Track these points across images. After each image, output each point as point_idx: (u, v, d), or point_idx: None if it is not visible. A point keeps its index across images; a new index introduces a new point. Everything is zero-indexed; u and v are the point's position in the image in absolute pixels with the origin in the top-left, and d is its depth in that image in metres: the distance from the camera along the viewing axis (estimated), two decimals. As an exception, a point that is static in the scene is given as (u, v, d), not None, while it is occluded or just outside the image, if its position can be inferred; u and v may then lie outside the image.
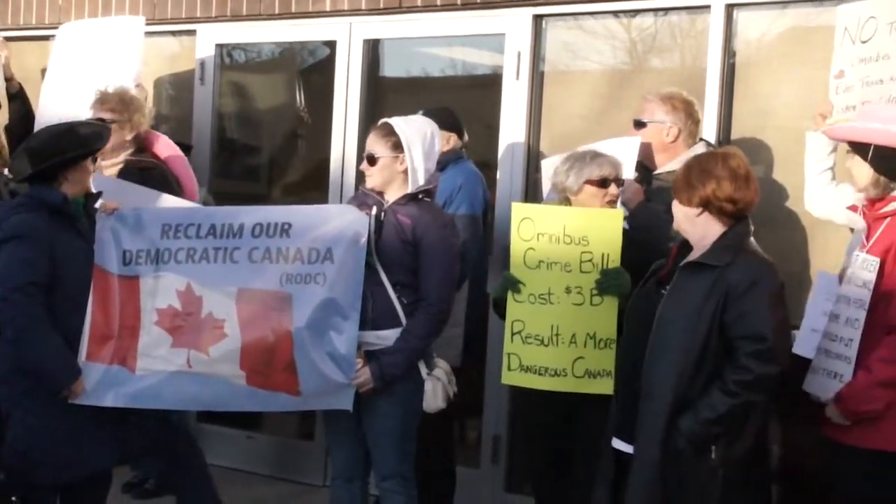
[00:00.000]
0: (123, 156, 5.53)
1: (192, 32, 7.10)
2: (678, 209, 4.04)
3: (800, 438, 5.06)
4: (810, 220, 5.21)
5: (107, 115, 5.47)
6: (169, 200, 5.06)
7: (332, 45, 6.64)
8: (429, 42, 6.57)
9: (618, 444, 4.09)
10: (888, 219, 4.11)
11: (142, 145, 5.66)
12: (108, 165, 5.44)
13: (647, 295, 4.11)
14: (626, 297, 4.38)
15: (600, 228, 4.48)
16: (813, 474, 4.88)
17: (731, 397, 3.81)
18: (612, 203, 4.61)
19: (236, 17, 6.84)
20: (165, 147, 5.81)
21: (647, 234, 4.60)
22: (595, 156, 4.67)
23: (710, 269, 3.90)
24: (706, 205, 3.96)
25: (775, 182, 5.37)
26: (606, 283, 4.44)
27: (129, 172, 5.41)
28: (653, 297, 4.05)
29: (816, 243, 5.28)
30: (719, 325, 3.85)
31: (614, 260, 4.45)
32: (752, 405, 3.87)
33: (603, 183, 4.60)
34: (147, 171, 5.46)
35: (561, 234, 4.51)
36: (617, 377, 4.25)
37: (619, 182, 4.64)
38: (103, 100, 5.58)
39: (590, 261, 4.48)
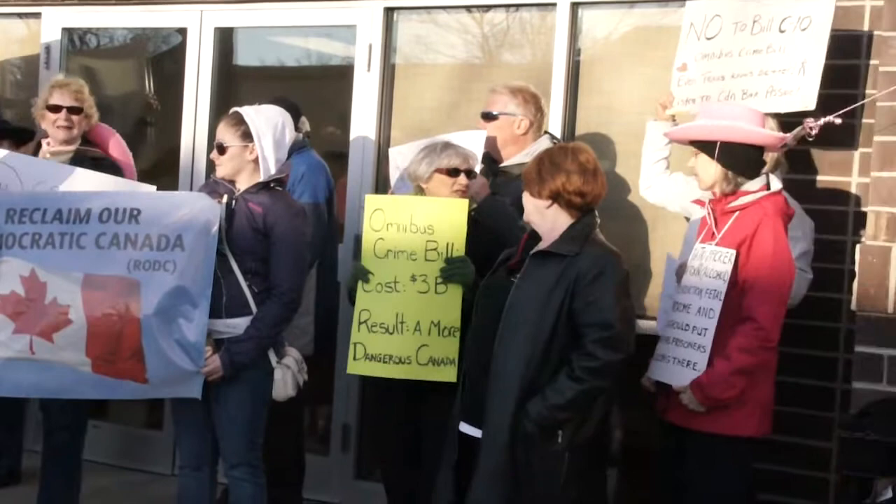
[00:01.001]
0: (75, 145, 5.30)
1: (37, 15, 6.90)
2: (529, 201, 4.09)
3: (639, 423, 5.21)
4: (652, 213, 5.35)
5: (73, 103, 5.25)
6: (124, 185, 4.95)
7: (183, 32, 6.53)
8: (282, 32, 6.53)
9: (465, 428, 4.13)
10: (738, 212, 4.22)
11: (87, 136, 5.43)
12: (59, 152, 5.21)
13: (496, 283, 4.16)
14: (469, 285, 4.43)
15: (446, 218, 4.52)
16: (652, 458, 5.02)
17: (577, 383, 3.88)
18: (461, 193, 4.65)
19: (84, 1, 6.67)
20: (106, 137, 5.58)
21: (494, 227, 4.66)
22: (447, 146, 4.71)
23: (558, 259, 3.98)
24: (556, 197, 4.03)
25: (618, 175, 5.49)
26: (450, 271, 4.48)
27: (81, 161, 5.18)
28: (503, 285, 4.10)
29: (657, 234, 5.42)
30: (567, 312, 3.93)
31: (459, 249, 4.49)
32: (599, 391, 3.94)
33: (452, 172, 4.64)
34: (98, 161, 5.25)
35: (408, 223, 4.54)
36: (467, 363, 4.28)
37: (471, 173, 4.69)
38: (68, 87, 5.32)
39: (435, 249, 4.51)
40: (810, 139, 4.41)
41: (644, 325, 4.87)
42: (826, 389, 4.93)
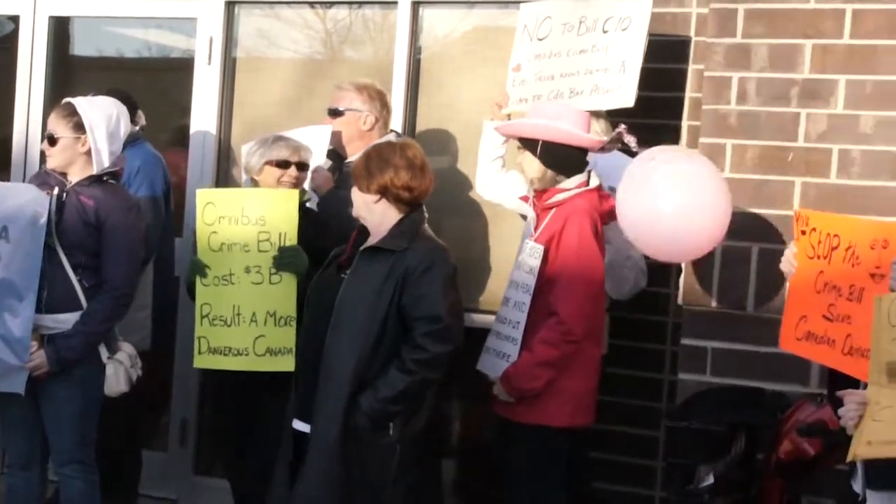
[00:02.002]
0: None
1: None
2: (358, 196, 4.08)
3: (476, 416, 5.27)
4: (491, 210, 5.39)
5: None
6: None
7: (15, 20, 6.30)
8: (121, 22, 6.36)
9: (299, 425, 4.09)
10: (554, 209, 4.29)
11: None
12: None
13: (327, 279, 4.14)
14: (303, 274, 4.41)
15: (277, 208, 4.50)
16: (488, 449, 5.08)
17: (408, 375, 3.90)
18: (292, 185, 4.62)
19: None
20: None
21: (337, 221, 4.64)
22: (278, 139, 4.69)
23: (387, 254, 3.98)
24: (384, 192, 4.02)
25: (458, 172, 5.52)
26: (283, 260, 4.46)
27: None
28: (333, 281, 4.08)
29: (497, 230, 5.47)
30: (397, 307, 3.93)
31: (291, 238, 4.48)
32: (429, 383, 3.97)
33: (282, 165, 4.62)
34: None
35: (240, 215, 4.50)
36: (298, 360, 4.24)
37: (302, 165, 4.66)
38: None
39: (267, 240, 4.49)
40: (629, 144, 4.51)
41: (482, 319, 4.91)
42: (655, 381, 5.04)
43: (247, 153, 4.73)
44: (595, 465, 4.90)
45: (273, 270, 4.48)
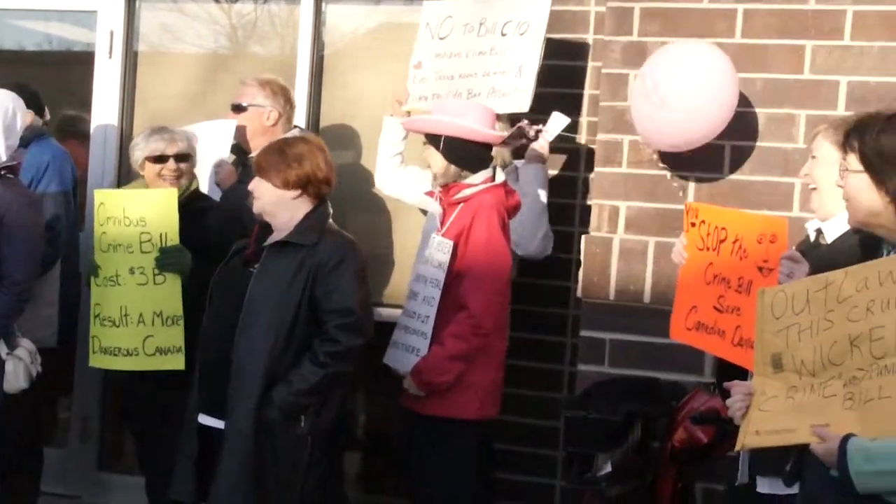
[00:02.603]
0: None
1: None
2: (270, 191, 4.03)
3: (382, 409, 5.28)
4: (394, 204, 5.39)
5: None
6: None
7: None
8: (20, 15, 6.22)
9: (206, 420, 4.06)
10: (461, 204, 4.30)
11: None
12: None
13: (232, 274, 4.10)
14: (187, 273, 4.39)
15: (156, 208, 4.48)
16: (394, 442, 5.09)
17: (321, 368, 3.90)
18: (173, 179, 4.60)
19: None
20: None
21: (240, 215, 4.60)
22: (155, 132, 4.66)
23: (297, 248, 3.96)
24: (305, 186, 4.01)
25: (361, 167, 5.51)
26: (165, 260, 4.44)
27: None
28: (240, 275, 4.05)
29: (399, 225, 5.48)
30: (309, 300, 3.93)
31: (172, 238, 4.46)
32: (341, 375, 3.97)
33: (159, 159, 4.60)
34: None
35: (122, 216, 4.50)
36: (203, 354, 4.18)
37: (181, 157, 4.62)
38: None
39: (149, 241, 4.48)
40: (531, 139, 4.56)
41: (386, 312, 4.92)
42: (556, 372, 5.09)
43: (131, 148, 4.70)
44: (500, 456, 4.94)
45: (157, 271, 4.46)
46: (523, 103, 4.62)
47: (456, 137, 4.27)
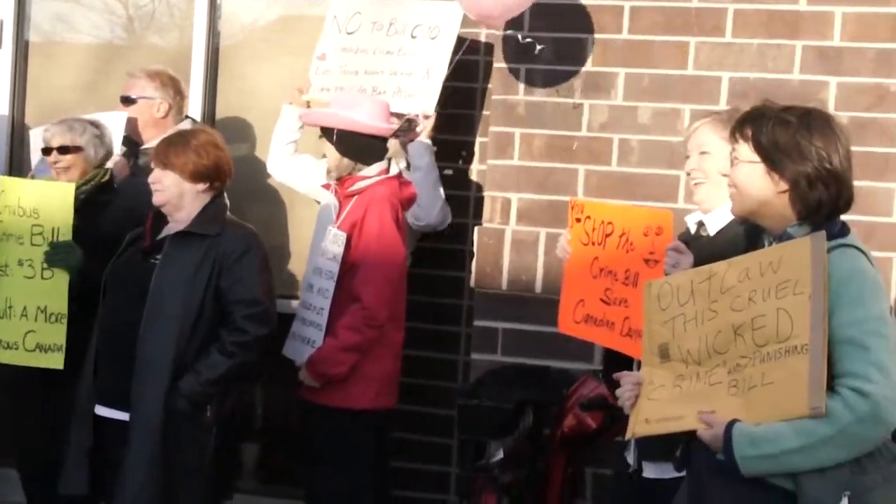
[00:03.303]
0: None
1: None
2: (173, 182, 3.95)
3: (279, 399, 5.19)
4: (290, 196, 5.34)
5: None
6: None
7: None
8: None
9: (104, 411, 3.98)
10: (355, 197, 4.27)
11: None
12: None
13: (129, 265, 4.03)
14: (76, 271, 4.24)
15: (51, 201, 4.31)
16: (293, 432, 5.01)
17: (229, 357, 3.86)
18: (65, 170, 4.46)
19: None
20: None
21: (134, 207, 4.48)
22: (55, 123, 4.53)
23: (200, 239, 3.91)
24: (213, 179, 3.96)
25: (257, 159, 5.43)
26: (54, 256, 4.27)
27: None
28: (140, 267, 3.98)
29: (295, 216, 5.43)
30: (214, 291, 3.89)
31: (65, 234, 4.29)
32: (248, 364, 3.94)
33: (45, 152, 4.48)
34: None
35: (16, 206, 4.31)
36: (100, 346, 4.08)
37: (64, 150, 4.46)
38: None
39: (41, 234, 4.30)
40: (419, 129, 4.54)
41: (283, 304, 4.84)
42: (451, 361, 5.09)
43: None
44: (398, 445, 4.92)
45: (45, 265, 4.27)
46: (429, 106, 4.61)
47: (348, 131, 4.21)
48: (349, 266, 4.19)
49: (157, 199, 3.99)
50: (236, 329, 3.88)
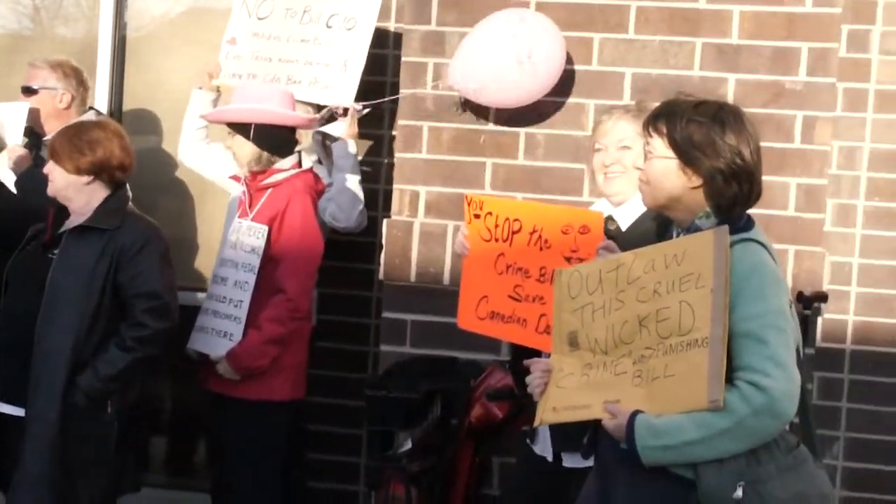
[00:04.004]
0: None
1: None
2: (63, 177, 3.86)
3: (190, 392, 5.07)
4: (199, 188, 5.24)
5: None
6: None
7: None
8: None
9: (5, 408, 3.87)
10: (270, 189, 4.18)
11: None
12: None
13: (29, 259, 3.91)
14: None
15: None
16: (200, 426, 4.90)
17: (129, 353, 3.78)
18: None
19: None
20: None
21: (35, 199, 4.32)
22: None
23: (99, 233, 3.81)
24: (98, 172, 3.84)
25: (166, 152, 5.34)
26: None
27: None
28: (38, 261, 3.86)
29: (205, 208, 5.33)
30: (113, 285, 3.79)
31: None
32: (149, 359, 3.85)
33: None
34: None
35: None
36: (1, 342, 3.92)
37: None
38: None
39: None
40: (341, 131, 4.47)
41: (190, 296, 4.71)
42: (362, 353, 5.03)
43: None
44: (310, 437, 4.86)
45: None
46: (347, 98, 4.51)
47: (265, 124, 4.12)
48: (269, 258, 4.10)
49: (49, 191, 3.90)
50: (136, 324, 3.79)
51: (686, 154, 2.76)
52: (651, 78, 4.21)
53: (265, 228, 4.10)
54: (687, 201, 2.80)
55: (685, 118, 2.77)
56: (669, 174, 2.79)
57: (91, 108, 4.86)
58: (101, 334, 3.77)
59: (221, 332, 4.15)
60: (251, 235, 4.12)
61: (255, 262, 4.09)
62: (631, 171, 3.32)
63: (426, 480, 4.03)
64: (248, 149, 4.17)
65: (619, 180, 3.39)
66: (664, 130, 2.79)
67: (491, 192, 4.34)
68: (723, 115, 2.78)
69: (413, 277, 4.42)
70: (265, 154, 4.17)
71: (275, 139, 4.17)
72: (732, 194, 2.76)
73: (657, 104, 2.92)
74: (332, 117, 4.40)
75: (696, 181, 2.76)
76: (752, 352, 2.64)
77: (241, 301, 4.11)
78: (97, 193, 3.86)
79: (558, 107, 4.33)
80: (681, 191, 2.79)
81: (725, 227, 2.69)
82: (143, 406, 4.05)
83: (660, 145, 2.80)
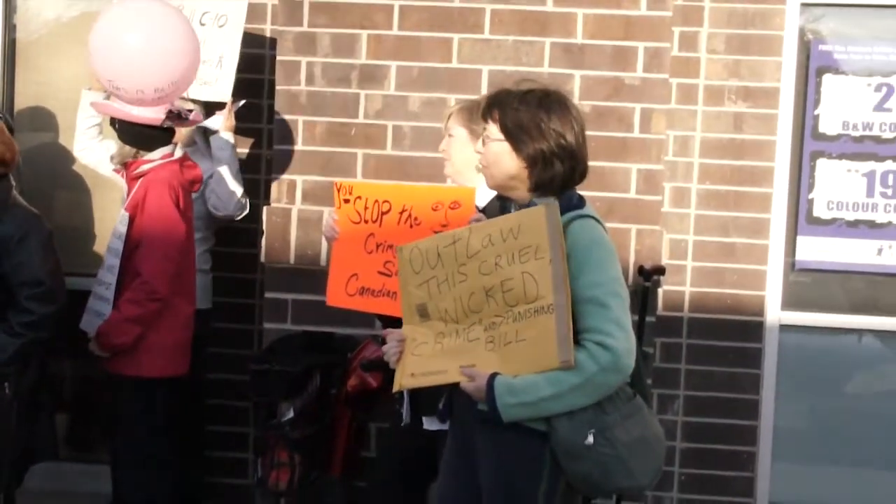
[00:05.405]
0: None
1: None
2: None
3: (89, 372, 4.89)
4: (93, 180, 5.06)
5: None
6: None
7: None
8: None
9: None
10: (141, 179, 4.05)
11: None
12: None
13: None
14: None
15: None
16: (100, 404, 4.73)
17: (17, 338, 3.66)
18: None
19: None
20: None
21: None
22: None
23: None
24: None
25: (59, 146, 5.13)
26: None
27: None
28: None
29: (98, 199, 5.15)
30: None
31: None
32: (39, 342, 3.72)
33: None
34: None
35: None
36: None
37: None
38: None
39: None
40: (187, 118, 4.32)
41: (86, 282, 4.53)
42: (247, 331, 4.93)
43: None
44: (203, 411, 4.75)
45: None
46: (225, 92, 4.39)
47: (127, 121, 3.98)
48: (132, 244, 3.98)
49: None
50: (22, 310, 3.66)
51: (515, 137, 2.77)
52: (505, 74, 4.20)
53: (127, 216, 3.99)
54: (521, 180, 2.80)
55: (514, 104, 2.79)
56: (503, 156, 2.80)
57: None
58: None
59: (97, 313, 4.04)
60: (120, 223, 4.03)
61: (120, 247, 3.99)
62: (458, 158, 3.36)
63: (308, 445, 3.97)
64: (116, 142, 4.09)
65: (449, 164, 3.42)
66: (497, 116, 2.81)
67: (363, 180, 4.27)
68: (548, 102, 2.79)
69: (292, 260, 4.34)
70: (127, 147, 4.05)
71: (138, 135, 4.01)
72: (555, 174, 2.77)
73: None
74: (177, 116, 4.26)
75: (525, 161, 2.78)
76: (595, 315, 2.66)
77: (110, 284, 4.01)
78: None
79: (422, 101, 4.29)
80: (516, 171, 2.80)
81: (555, 202, 2.71)
82: (46, 385, 3.92)
83: (494, 130, 2.82)
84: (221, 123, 4.39)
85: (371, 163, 4.32)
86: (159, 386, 4.03)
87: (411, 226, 3.22)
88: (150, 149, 4.04)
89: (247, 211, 4.55)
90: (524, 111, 2.77)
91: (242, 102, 4.50)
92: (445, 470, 2.94)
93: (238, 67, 4.43)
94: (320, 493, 3.98)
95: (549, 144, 2.75)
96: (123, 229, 3.97)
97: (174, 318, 4.05)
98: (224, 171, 4.38)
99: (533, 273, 2.65)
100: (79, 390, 5.16)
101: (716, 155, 4.67)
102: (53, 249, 3.80)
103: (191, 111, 4.13)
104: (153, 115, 3.97)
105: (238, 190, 4.44)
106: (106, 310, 3.98)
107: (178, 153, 4.11)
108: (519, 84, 2.86)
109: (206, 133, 4.48)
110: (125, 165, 4.07)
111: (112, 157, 4.11)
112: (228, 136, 4.40)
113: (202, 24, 4.45)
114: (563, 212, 2.70)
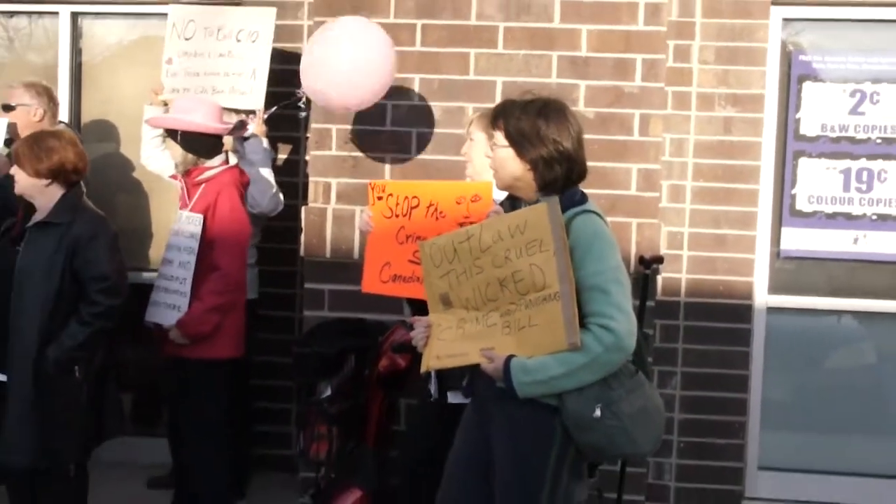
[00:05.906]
0: None
1: None
2: (26, 180, 3.68)
3: (149, 357, 4.89)
4: (150, 185, 5.06)
5: None
6: None
7: None
8: None
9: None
10: (203, 184, 4.03)
11: None
12: None
13: (1, 252, 3.72)
14: None
15: None
16: (157, 384, 4.72)
17: (86, 326, 3.63)
18: None
19: None
20: None
21: (12, 198, 4.10)
22: None
23: (56, 227, 3.65)
24: (56, 175, 3.66)
25: (121, 155, 5.13)
26: None
27: None
28: (8, 253, 3.69)
29: (155, 202, 5.14)
30: (71, 271, 3.63)
31: None
32: (105, 331, 3.70)
33: None
34: None
35: None
36: None
37: None
38: None
39: None
40: (250, 127, 4.35)
41: (147, 276, 4.58)
42: (289, 319, 4.92)
43: None
44: (253, 390, 4.77)
45: None
46: (258, 102, 4.41)
47: (189, 131, 3.97)
48: (207, 242, 3.96)
49: (15, 190, 3.75)
50: (91, 302, 3.65)
51: (518, 143, 2.78)
52: (517, 85, 4.15)
53: (200, 217, 3.97)
54: (526, 181, 2.81)
55: (516, 114, 2.79)
56: (508, 160, 2.80)
57: (61, 121, 4.69)
58: (66, 312, 3.63)
59: (171, 305, 4.01)
60: (190, 223, 4.00)
61: (195, 245, 3.96)
62: (477, 160, 3.36)
63: (344, 420, 3.95)
64: (177, 152, 4.05)
65: (470, 166, 3.46)
66: (502, 125, 2.81)
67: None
68: (547, 111, 2.79)
69: (328, 254, 4.31)
70: (190, 156, 4.04)
71: (198, 143, 4.01)
72: (556, 175, 2.77)
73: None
74: (242, 124, 4.25)
75: (528, 165, 2.77)
76: (598, 301, 2.65)
77: (185, 279, 3.98)
78: (55, 193, 3.70)
79: (443, 110, 4.25)
80: (520, 173, 2.80)
81: (556, 198, 2.70)
82: (111, 369, 3.87)
83: (500, 137, 2.82)
84: (254, 129, 4.38)
85: (397, 166, 4.29)
86: (223, 366, 4.03)
87: (437, 218, 3.22)
88: (210, 156, 4.04)
89: (281, 207, 4.53)
90: (525, 120, 2.77)
91: (273, 110, 4.49)
92: (462, 437, 2.94)
93: (279, 81, 4.42)
94: (356, 462, 3.96)
95: (549, 150, 2.75)
96: (196, 229, 3.94)
97: (238, 307, 4.05)
98: (258, 172, 4.37)
99: (539, 264, 2.63)
100: (140, 373, 5.18)
101: (708, 155, 4.62)
102: (118, 248, 3.80)
103: (243, 122, 4.13)
104: (218, 125, 3.98)
105: (271, 189, 4.43)
106: (181, 302, 3.95)
107: (233, 160, 4.11)
108: (523, 95, 2.86)
109: (241, 139, 4.47)
110: (187, 172, 4.06)
111: (175, 165, 4.09)
112: (261, 141, 4.38)
113: (238, 41, 4.46)
114: (566, 208, 2.70)
